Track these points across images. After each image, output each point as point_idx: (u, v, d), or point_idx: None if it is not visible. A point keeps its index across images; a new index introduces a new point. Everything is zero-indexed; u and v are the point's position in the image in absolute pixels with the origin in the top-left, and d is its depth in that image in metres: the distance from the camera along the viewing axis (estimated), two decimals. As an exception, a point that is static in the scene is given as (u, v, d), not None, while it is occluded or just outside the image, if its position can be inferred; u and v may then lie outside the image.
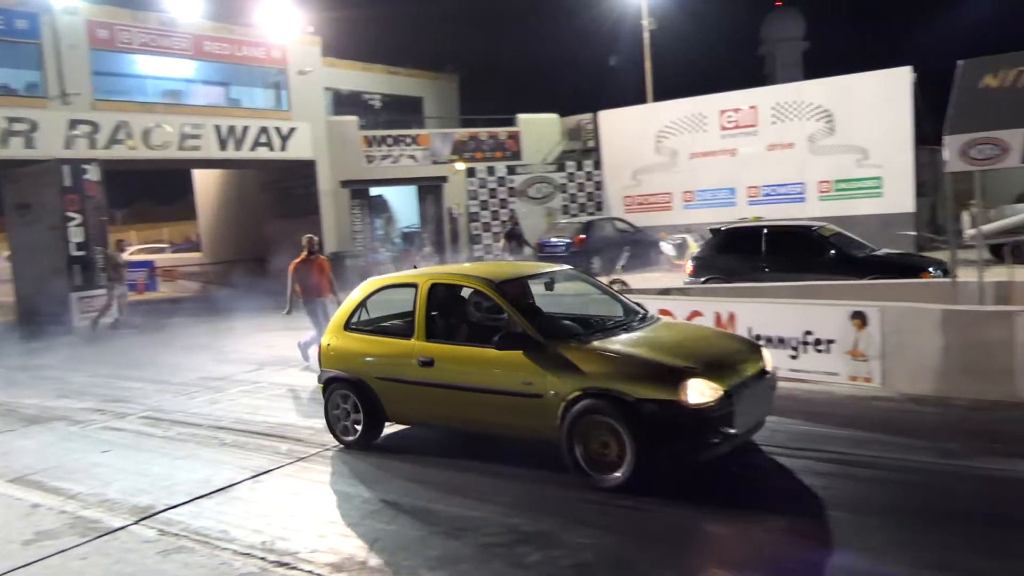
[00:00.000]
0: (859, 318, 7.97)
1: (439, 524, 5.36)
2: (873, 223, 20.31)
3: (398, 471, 6.51)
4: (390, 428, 7.31)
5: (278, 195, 24.62)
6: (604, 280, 13.12)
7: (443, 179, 25.31)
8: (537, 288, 7.26)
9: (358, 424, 7.05)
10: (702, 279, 12.89)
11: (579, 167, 25.84)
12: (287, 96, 23.00)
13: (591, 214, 24.54)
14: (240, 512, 5.81)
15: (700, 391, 5.43)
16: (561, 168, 25.82)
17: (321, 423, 8.15)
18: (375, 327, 7.42)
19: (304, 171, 23.13)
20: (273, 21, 22.57)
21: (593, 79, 39.76)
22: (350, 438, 7.11)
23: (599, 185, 25.67)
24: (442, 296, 7.04)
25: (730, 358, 6.02)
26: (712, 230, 14.18)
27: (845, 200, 21.15)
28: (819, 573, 4.47)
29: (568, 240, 20.49)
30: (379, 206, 25.62)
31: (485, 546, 4.96)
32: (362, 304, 7.36)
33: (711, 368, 5.65)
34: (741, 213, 21.98)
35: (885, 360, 7.81)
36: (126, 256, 21.01)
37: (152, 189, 48.82)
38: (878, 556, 4.50)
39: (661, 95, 27.13)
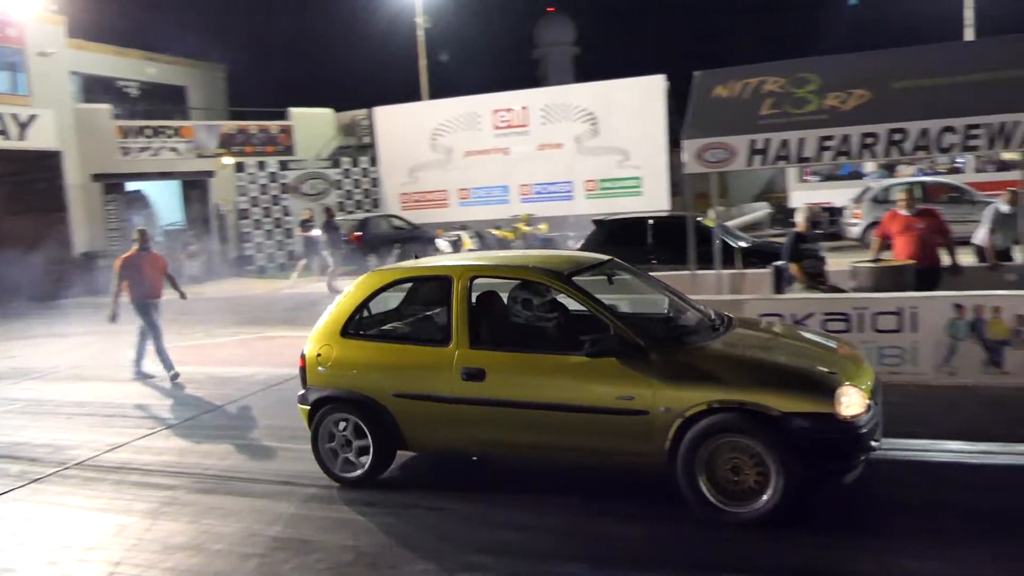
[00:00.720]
0: (613, 309, 8.46)
1: (190, 540, 5.08)
2: (634, 220, 21.78)
3: (157, 486, 6.09)
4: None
5: (15, 189, 22.17)
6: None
7: (210, 174, 24.01)
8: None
9: (364, 455, 5.68)
10: None
11: (355, 163, 25.47)
12: (26, 79, 20.77)
13: (367, 211, 24.31)
14: (-44, 545, 5.18)
15: (854, 401, 4.64)
16: (336, 164, 25.32)
17: (63, 439, 7.48)
18: (387, 332, 6.06)
19: (47, 163, 21.02)
20: (7, -4, 20.28)
21: (368, 75, 39.35)
22: (353, 474, 5.71)
23: (375, 182, 25.47)
24: (480, 292, 5.84)
25: (852, 361, 5.25)
26: (596, 222, 14.00)
27: (609, 198, 22.44)
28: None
29: (344, 237, 20.14)
30: (138, 202, 23.83)
31: (244, 556, 4.77)
32: (364, 304, 5.92)
33: (851, 374, 4.94)
34: (514, 210, 22.72)
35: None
36: None
37: None
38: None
39: (438, 93, 27.43)
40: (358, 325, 5.88)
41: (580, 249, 13.53)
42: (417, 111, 25.48)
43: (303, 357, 5.93)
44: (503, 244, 20.74)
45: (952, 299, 7.48)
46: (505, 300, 5.85)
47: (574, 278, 5.40)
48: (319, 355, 5.81)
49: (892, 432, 5.54)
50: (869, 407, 4.74)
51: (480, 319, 5.53)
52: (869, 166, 24.43)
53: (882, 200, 17.77)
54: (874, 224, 11.67)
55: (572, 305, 5.75)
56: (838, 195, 21.04)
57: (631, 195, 22.33)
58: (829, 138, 7.88)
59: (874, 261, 9.17)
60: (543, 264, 5.69)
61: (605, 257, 6.22)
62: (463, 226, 21.78)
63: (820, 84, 8.29)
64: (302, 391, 5.94)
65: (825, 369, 4.92)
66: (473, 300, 5.57)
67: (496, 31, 50.61)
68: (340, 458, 5.75)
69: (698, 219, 12.99)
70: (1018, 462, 5.52)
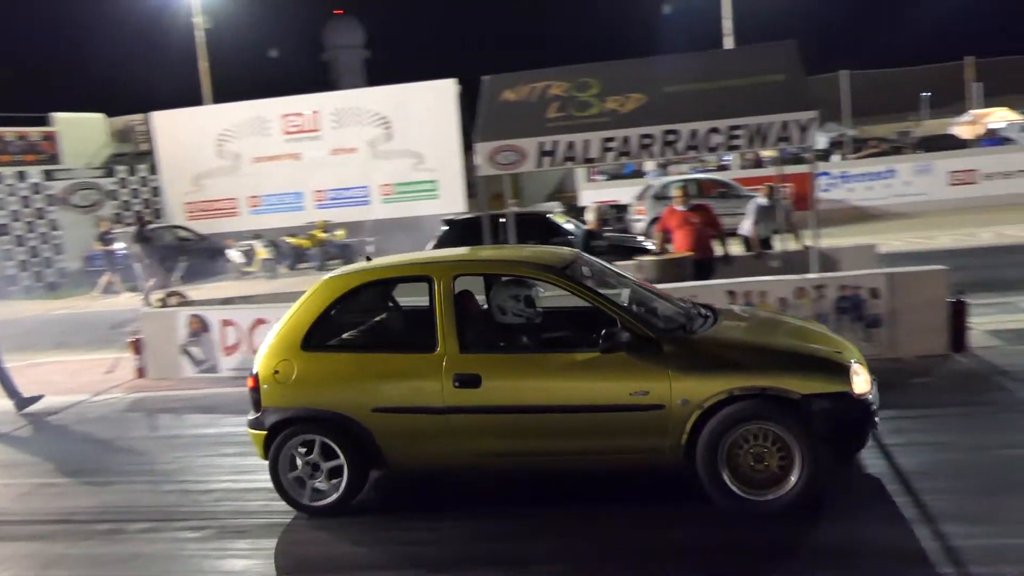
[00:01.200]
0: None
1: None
2: (433, 223, 21.84)
3: None
4: None
5: None
6: (160, 294, 12.30)
7: (-42, 187, 21.47)
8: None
9: (337, 479, 5.11)
10: None
11: (132, 172, 23.74)
12: None
13: (149, 222, 22.71)
14: None
15: (864, 378, 4.73)
16: (110, 173, 23.48)
17: None
18: (358, 341, 5.52)
19: None
20: None
21: (144, 78, 36.90)
22: (324, 501, 5.13)
23: (156, 191, 23.85)
24: (459, 292, 5.31)
25: (838, 341, 5.33)
26: (446, 221, 13.76)
27: (405, 202, 22.39)
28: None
29: (125, 251, 18.73)
30: None
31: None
32: (328, 312, 5.28)
33: (852, 353, 5.04)
34: (309, 217, 22.08)
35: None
36: None
37: None
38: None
39: (223, 97, 26.17)
40: (323, 335, 5.29)
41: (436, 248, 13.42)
42: (200, 116, 24.10)
43: (255, 377, 5.24)
44: (299, 252, 20.16)
45: (726, 286, 8.12)
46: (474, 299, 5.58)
47: (572, 272, 5.16)
48: (277, 372, 5.15)
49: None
50: (871, 383, 4.86)
51: (467, 320, 5.15)
52: (648, 165, 26.06)
53: (661, 197, 18.93)
54: (656, 219, 12.44)
55: (547, 300, 5.66)
56: (623, 193, 22.25)
57: (427, 198, 22.42)
58: (611, 139, 8.29)
59: (657, 254, 9.80)
60: (530, 259, 5.43)
61: (573, 251, 5.97)
62: (256, 235, 20.89)
63: (601, 88, 8.70)
64: (254, 415, 5.24)
65: (832, 349, 4.98)
66: (459, 300, 5.20)
67: (283, 33, 49.16)
68: (309, 486, 5.15)
69: (548, 216, 13.43)
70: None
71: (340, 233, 20.79)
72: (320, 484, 5.13)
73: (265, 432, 5.15)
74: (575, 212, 21.11)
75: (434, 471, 5.42)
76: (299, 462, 5.13)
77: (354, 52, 48.13)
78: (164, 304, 10.95)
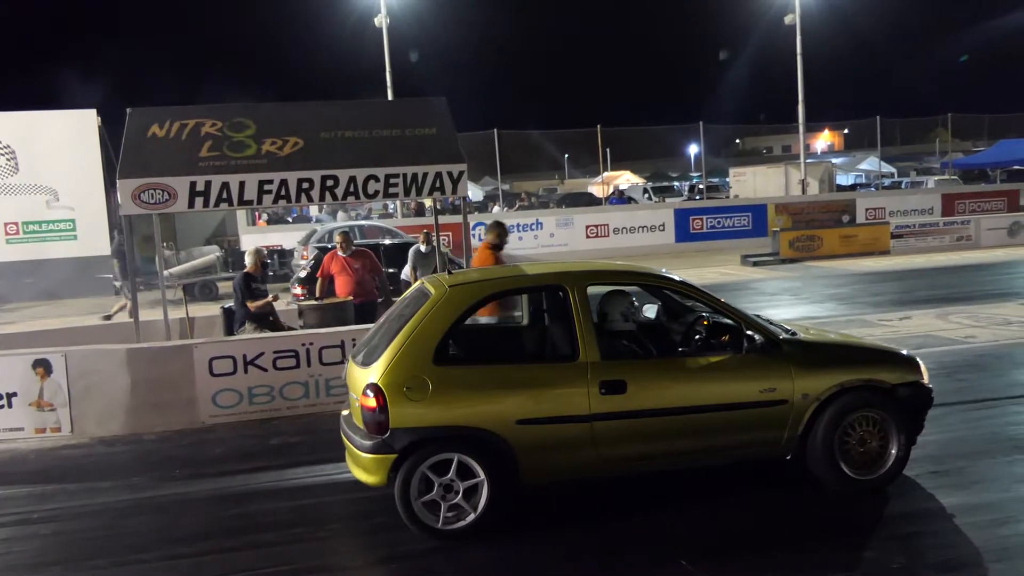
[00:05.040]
0: (42, 366, 7.58)
1: None
2: (71, 266, 19.68)
3: None
4: None
5: None
6: None
7: None
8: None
9: (475, 498, 4.86)
10: None
11: None
12: None
13: None
14: None
15: (926, 371, 5.53)
16: None
17: None
18: (493, 352, 5.72)
19: None
20: None
21: None
22: (461, 523, 4.86)
23: None
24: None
25: None
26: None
27: (38, 243, 19.97)
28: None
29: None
30: None
31: None
32: (458, 324, 5.09)
33: None
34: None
35: (73, 407, 7.59)
36: None
37: None
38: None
39: None
40: (455, 348, 5.24)
41: None
42: None
43: (380, 395, 4.80)
44: None
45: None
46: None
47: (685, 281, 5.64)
48: (409, 389, 4.83)
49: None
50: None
51: (600, 328, 5.41)
52: (314, 210, 25.96)
53: (327, 242, 18.97)
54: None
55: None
56: (288, 238, 21.88)
57: (65, 239, 20.17)
58: (269, 182, 8.18)
59: (319, 299, 9.76)
60: (649, 269, 5.91)
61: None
62: None
63: (257, 130, 8.55)
64: (377, 438, 4.84)
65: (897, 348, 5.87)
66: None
67: None
68: (443, 509, 4.85)
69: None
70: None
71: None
72: (461, 503, 4.88)
73: (395, 455, 4.83)
74: (236, 256, 20.38)
75: (567, 481, 5.43)
76: (434, 484, 4.85)
77: (-29, 72, 41.98)
78: None
